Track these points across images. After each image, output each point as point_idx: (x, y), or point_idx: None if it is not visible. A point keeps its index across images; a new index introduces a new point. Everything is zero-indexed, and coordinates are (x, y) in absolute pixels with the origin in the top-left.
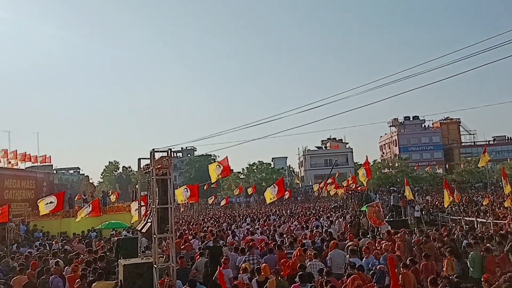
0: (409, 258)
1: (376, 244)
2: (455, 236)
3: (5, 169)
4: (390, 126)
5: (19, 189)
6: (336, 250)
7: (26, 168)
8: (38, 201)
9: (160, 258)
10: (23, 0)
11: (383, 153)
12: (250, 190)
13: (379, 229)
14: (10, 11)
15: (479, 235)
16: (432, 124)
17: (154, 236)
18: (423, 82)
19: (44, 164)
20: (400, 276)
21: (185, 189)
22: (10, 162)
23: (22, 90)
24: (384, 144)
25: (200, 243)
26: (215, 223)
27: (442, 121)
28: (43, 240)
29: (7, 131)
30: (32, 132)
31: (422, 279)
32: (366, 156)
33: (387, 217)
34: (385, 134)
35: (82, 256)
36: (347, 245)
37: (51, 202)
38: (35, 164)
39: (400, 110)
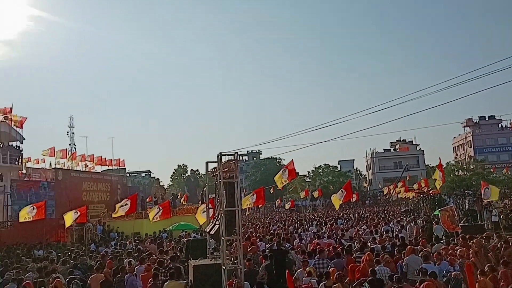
0: (488, 265)
1: (451, 250)
2: None
3: (83, 172)
4: (464, 127)
5: (95, 191)
6: (413, 256)
7: (102, 171)
8: (116, 205)
9: (228, 260)
10: (97, 11)
11: (457, 155)
12: (316, 194)
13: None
14: (80, 21)
15: None
16: (510, 124)
17: (222, 238)
18: (499, 80)
19: (118, 167)
20: (477, 284)
21: (252, 195)
22: (87, 166)
23: (97, 97)
24: (458, 146)
25: (266, 245)
26: (282, 226)
27: None
28: (118, 240)
29: (84, 136)
30: (107, 137)
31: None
32: (439, 159)
33: (462, 222)
34: (459, 135)
35: (154, 256)
36: (419, 251)
37: (125, 204)
38: (110, 168)
39: (475, 110)
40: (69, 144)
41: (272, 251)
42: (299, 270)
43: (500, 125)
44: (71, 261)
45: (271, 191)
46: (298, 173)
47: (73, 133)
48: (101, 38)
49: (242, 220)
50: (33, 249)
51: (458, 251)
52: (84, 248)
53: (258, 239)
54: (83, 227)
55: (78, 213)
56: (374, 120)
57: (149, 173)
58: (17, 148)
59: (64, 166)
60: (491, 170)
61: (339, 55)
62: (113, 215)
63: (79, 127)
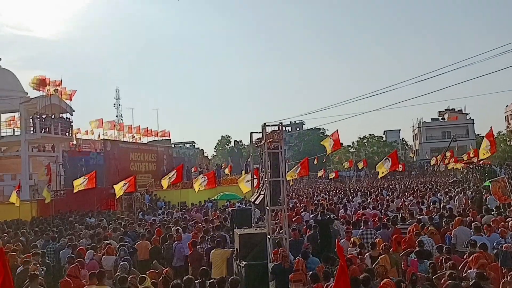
0: None
1: (502, 222)
2: None
3: (131, 143)
4: None
5: (142, 162)
6: (461, 227)
7: (148, 142)
8: (162, 179)
9: (273, 229)
10: None
11: (509, 124)
12: (360, 164)
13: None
14: None
15: None
16: None
17: (267, 208)
18: None
19: (163, 138)
20: None
21: (297, 167)
22: (134, 137)
23: (143, 70)
24: (511, 115)
25: (310, 216)
26: (326, 196)
27: None
28: (165, 209)
29: (130, 108)
30: (152, 108)
31: None
32: (491, 127)
33: None
34: None
35: (200, 224)
36: (468, 222)
37: (173, 175)
38: (156, 139)
39: None
40: (116, 116)
41: (316, 221)
42: (343, 240)
43: None
44: (121, 229)
45: (315, 161)
46: (342, 143)
47: (119, 105)
48: (145, 11)
49: (286, 190)
50: (85, 217)
51: (509, 223)
52: (133, 216)
53: (302, 210)
54: (132, 196)
55: (127, 183)
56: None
57: (194, 144)
58: (68, 120)
59: (111, 137)
60: None
61: (386, 23)
62: (163, 187)
63: (125, 99)
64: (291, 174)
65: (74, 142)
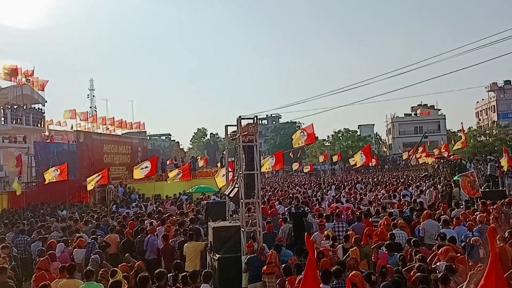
0: (508, 230)
1: (470, 216)
2: None
3: (104, 135)
4: (488, 91)
5: (116, 154)
6: (430, 220)
7: (122, 134)
8: (134, 167)
9: (247, 222)
10: None
11: (480, 120)
12: (335, 158)
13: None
14: None
15: None
16: None
17: (241, 201)
18: None
19: (138, 130)
20: (496, 249)
21: (271, 158)
22: (108, 129)
23: (117, 60)
24: (481, 111)
25: (285, 209)
26: (300, 189)
27: None
28: (139, 201)
29: (105, 99)
30: (127, 100)
31: None
32: (462, 123)
33: (482, 187)
34: (482, 99)
35: (174, 217)
36: (439, 216)
37: (146, 167)
38: (131, 131)
39: (500, 74)
40: (90, 107)
41: (290, 214)
42: (316, 233)
43: None
44: (94, 221)
45: (290, 155)
46: (317, 137)
47: (93, 96)
48: (120, 1)
49: (261, 183)
50: (57, 209)
51: (477, 216)
52: (106, 209)
53: (277, 203)
54: (105, 189)
55: (100, 176)
56: (395, 84)
57: (169, 136)
58: (40, 110)
59: (85, 129)
60: None
61: (359, 19)
62: (134, 177)
63: (99, 90)
64: (266, 165)
65: (46, 133)
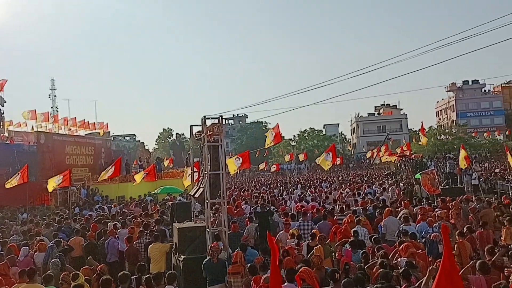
0: (466, 226)
1: (430, 212)
2: None
3: (66, 136)
4: (447, 91)
5: (79, 155)
6: (390, 217)
7: (85, 135)
8: (102, 173)
9: (213, 223)
10: None
11: (440, 119)
12: (301, 157)
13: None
14: None
15: None
16: (493, 88)
17: (207, 201)
18: (483, 43)
19: (101, 130)
20: (455, 245)
21: (237, 158)
22: (70, 129)
23: (80, 59)
24: (441, 110)
25: (251, 208)
26: (267, 189)
27: (504, 85)
28: (103, 203)
29: (66, 99)
30: (90, 100)
31: (478, 248)
32: (422, 122)
33: (442, 185)
34: (442, 99)
35: (138, 219)
36: (400, 213)
37: (111, 169)
38: (94, 131)
39: (459, 74)
40: (51, 107)
41: (256, 214)
42: (281, 232)
43: (483, 89)
44: (55, 224)
45: (257, 154)
46: (283, 136)
47: (55, 95)
48: None
49: (227, 183)
50: (17, 213)
51: (437, 213)
52: (68, 211)
53: (243, 202)
54: (67, 191)
55: (62, 177)
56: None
57: (134, 137)
58: None
59: (46, 130)
60: (473, 134)
61: (325, 18)
62: (99, 180)
63: (61, 90)
64: (232, 164)
65: (6, 134)
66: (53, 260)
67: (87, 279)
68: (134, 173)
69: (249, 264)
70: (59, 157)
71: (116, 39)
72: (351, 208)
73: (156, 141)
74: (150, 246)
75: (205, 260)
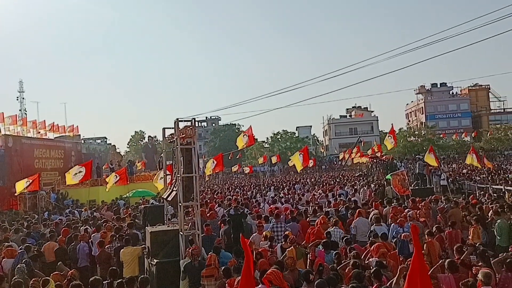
0: (435, 226)
1: (400, 213)
2: (482, 204)
3: (35, 139)
4: (416, 94)
5: (48, 159)
6: (361, 218)
7: (55, 138)
8: (67, 173)
9: (186, 226)
10: None
11: (409, 121)
12: (274, 159)
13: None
14: None
15: (507, 203)
16: (460, 91)
17: (180, 204)
18: (450, 47)
19: (72, 134)
20: (425, 244)
21: (213, 162)
22: (39, 132)
23: (49, 61)
24: (411, 112)
25: (224, 211)
26: (240, 191)
27: (470, 88)
28: (73, 207)
29: (35, 102)
30: (59, 102)
31: (446, 247)
32: (392, 124)
33: (412, 185)
34: (412, 101)
35: (110, 223)
36: (372, 213)
37: (79, 172)
38: (64, 134)
39: (427, 77)
40: (20, 110)
41: (229, 216)
42: (254, 234)
43: (451, 92)
44: (24, 230)
45: (230, 157)
46: (256, 139)
47: (23, 98)
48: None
49: (200, 186)
50: None
51: (408, 213)
52: (37, 216)
53: (216, 205)
54: (36, 195)
55: (30, 181)
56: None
57: (105, 140)
58: None
59: (14, 133)
60: (441, 136)
61: (298, 21)
62: (67, 183)
63: (29, 92)
64: (209, 169)
65: None
66: (18, 266)
67: (57, 285)
68: (106, 176)
69: (223, 267)
70: (28, 160)
71: (85, 40)
72: (323, 209)
73: (128, 144)
74: (122, 250)
75: (186, 263)
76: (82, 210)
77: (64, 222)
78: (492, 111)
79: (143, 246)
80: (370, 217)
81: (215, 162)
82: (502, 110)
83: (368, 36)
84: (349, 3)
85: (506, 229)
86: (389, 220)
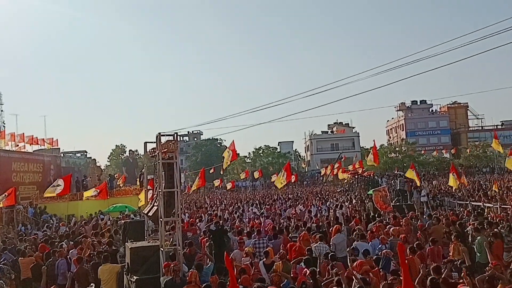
0: (416, 242)
1: (381, 229)
2: (462, 220)
3: (13, 152)
4: (397, 111)
5: (26, 172)
6: (339, 234)
7: (33, 151)
8: (47, 189)
9: (167, 242)
10: None
11: (390, 137)
12: (256, 174)
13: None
14: None
15: (487, 220)
16: (440, 108)
17: (161, 219)
18: (430, 66)
19: (51, 147)
20: (405, 261)
21: (198, 177)
22: (17, 145)
23: (28, 73)
24: (391, 129)
25: (205, 226)
26: (222, 206)
27: (449, 105)
28: (51, 222)
29: (14, 114)
30: (39, 115)
31: (428, 264)
32: (374, 141)
33: (393, 202)
34: (392, 118)
35: (89, 238)
36: (354, 229)
37: (58, 185)
38: (43, 147)
39: (408, 95)
40: None
41: (210, 232)
42: (235, 251)
43: (430, 109)
44: (0, 244)
45: (211, 171)
46: (238, 154)
47: (2, 110)
48: (36, 9)
49: (182, 201)
50: None
51: (390, 229)
52: (13, 231)
53: (197, 220)
54: (13, 209)
55: (6, 195)
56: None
57: (85, 153)
58: None
59: None
60: (422, 152)
61: (282, 37)
62: (45, 195)
63: (8, 104)
64: (196, 184)
65: None
66: None
67: None
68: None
69: (204, 284)
70: (5, 174)
71: (66, 53)
72: (304, 224)
73: (108, 158)
74: (100, 267)
75: (167, 279)
76: (60, 225)
77: (41, 237)
78: (471, 128)
79: (123, 264)
80: (355, 233)
81: (199, 178)
82: (480, 128)
83: (349, 54)
84: (332, 22)
85: (486, 246)
86: (368, 236)
